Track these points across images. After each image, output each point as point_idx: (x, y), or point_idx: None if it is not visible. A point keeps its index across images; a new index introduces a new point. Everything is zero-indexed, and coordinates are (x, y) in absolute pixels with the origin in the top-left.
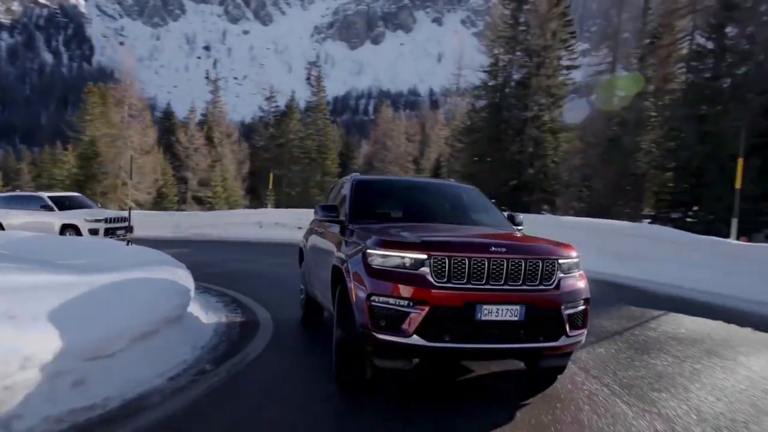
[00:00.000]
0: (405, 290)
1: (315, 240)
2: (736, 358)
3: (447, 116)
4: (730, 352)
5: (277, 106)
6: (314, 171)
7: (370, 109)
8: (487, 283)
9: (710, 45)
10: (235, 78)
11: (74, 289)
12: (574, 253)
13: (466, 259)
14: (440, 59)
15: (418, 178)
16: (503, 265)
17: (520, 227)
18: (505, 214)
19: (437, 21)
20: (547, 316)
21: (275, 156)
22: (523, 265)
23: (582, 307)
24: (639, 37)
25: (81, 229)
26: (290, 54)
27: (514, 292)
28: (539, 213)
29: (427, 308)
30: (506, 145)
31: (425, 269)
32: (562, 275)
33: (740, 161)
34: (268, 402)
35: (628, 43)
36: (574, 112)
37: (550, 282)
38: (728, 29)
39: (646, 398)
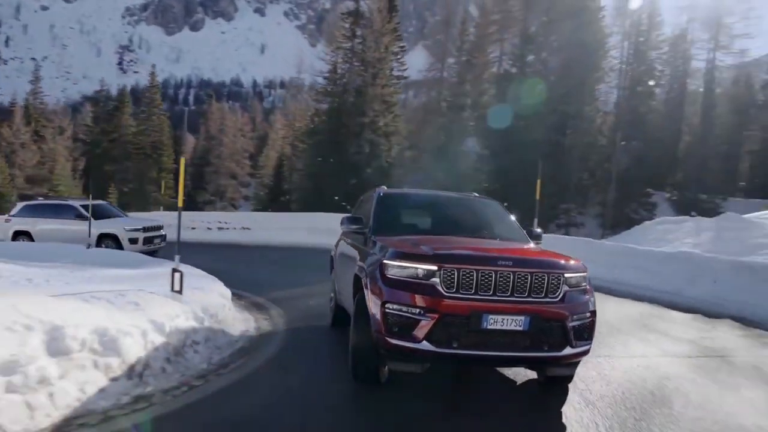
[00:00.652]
0: (417, 299)
1: (342, 249)
2: None
3: (288, 117)
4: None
5: (106, 98)
6: (149, 167)
7: (191, 99)
8: (494, 294)
9: (514, 69)
10: (33, 59)
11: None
12: (581, 268)
13: (474, 271)
14: (263, 50)
15: (441, 192)
16: (510, 277)
17: (538, 241)
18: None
19: (259, 11)
20: (552, 327)
21: (107, 151)
22: (529, 278)
23: (588, 320)
24: (458, 54)
25: (121, 240)
26: (98, 36)
27: (520, 304)
28: None
29: (436, 316)
30: (346, 147)
31: (436, 280)
32: (567, 289)
33: (539, 182)
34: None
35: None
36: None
37: (556, 295)
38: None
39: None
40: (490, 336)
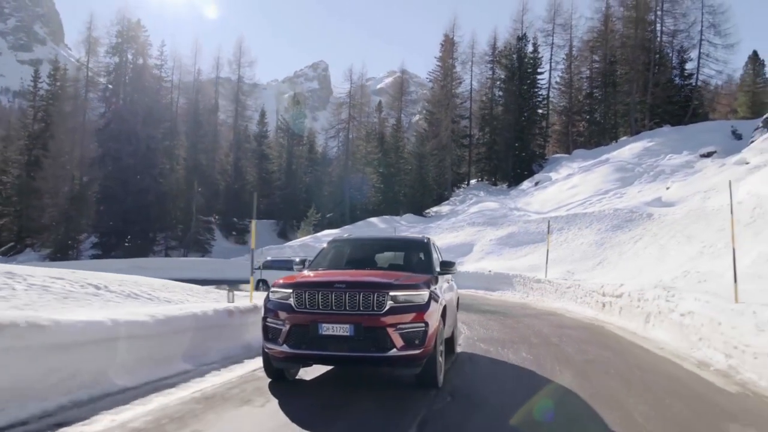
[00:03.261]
0: (279, 314)
1: None
2: None
3: None
4: None
5: None
6: None
7: None
8: (330, 309)
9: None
10: None
11: None
12: (412, 290)
13: (316, 293)
14: None
15: (379, 235)
16: (342, 296)
17: (446, 271)
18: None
19: None
20: (374, 333)
21: None
22: (359, 296)
23: (414, 329)
24: None
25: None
26: None
27: (347, 315)
28: None
29: (289, 325)
30: None
31: (291, 300)
32: (393, 303)
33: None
34: None
35: None
36: None
37: (381, 309)
38: None
39: None
40: (324, 340)
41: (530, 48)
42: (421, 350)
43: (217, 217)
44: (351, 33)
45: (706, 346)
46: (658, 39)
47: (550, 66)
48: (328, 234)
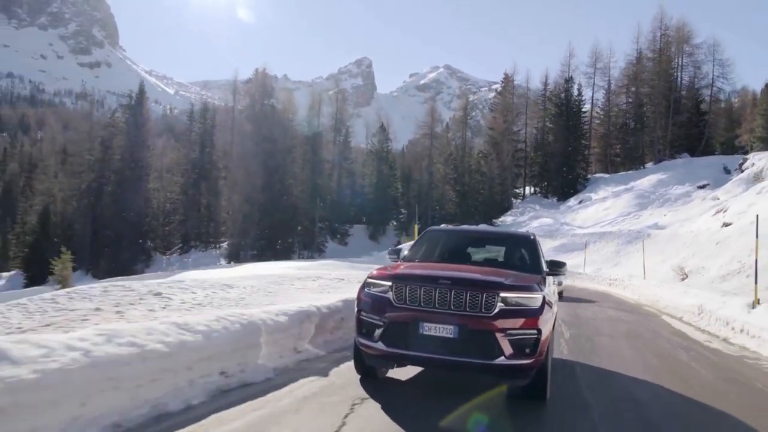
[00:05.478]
0: (377, 308)
1: None
2: None
3: None
4: None
5: None
6: None
7: None
8: (433, 306)
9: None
10: None
11: None
12: (525, 292)
13: (418, 288)
14: None
15: (482, 228)
16: (447, 294)
17: (555, 272)
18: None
19: None
20: (481, 337)
21: None
22: (465, 295)
23: (526, 336)
24: None
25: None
26: None
27: (451, 315)
28: None
29: (387, 322)
30: None
31: (390, 294)
32: (504, 306)
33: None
34: None
35: None
36: None
37: (490, 311)
38: None
39: None
40: (425, 340)
41: (575, 91)
42: (532, 360)
43: (326, 223)
44: (393, 29)
45: (633, 294)
46: (678, 86)
47: (592, 102)
48: None
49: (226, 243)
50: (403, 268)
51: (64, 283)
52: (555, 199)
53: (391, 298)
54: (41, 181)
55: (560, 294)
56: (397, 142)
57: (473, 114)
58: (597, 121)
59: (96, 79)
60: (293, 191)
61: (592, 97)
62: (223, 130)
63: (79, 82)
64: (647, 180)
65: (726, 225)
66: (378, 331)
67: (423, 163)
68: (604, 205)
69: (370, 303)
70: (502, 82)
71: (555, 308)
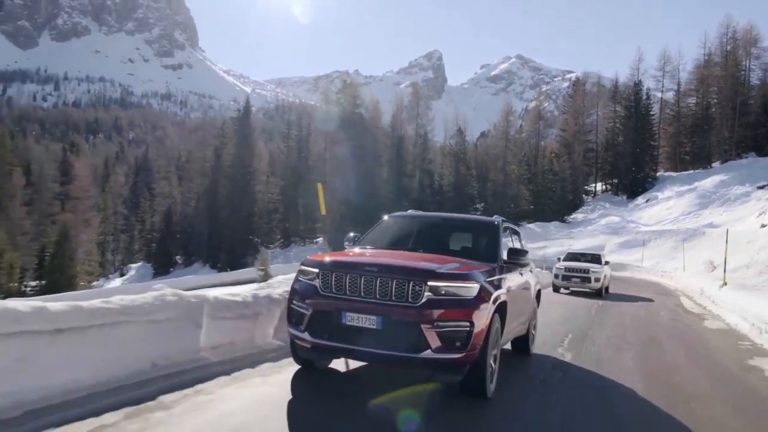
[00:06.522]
0: (304, 297)
1: None
2: None
3: None
4: None
5: None
6: None
7: None
8: (357, 295)
9: None
10: None
11: None
12: (457, 281)
13: (344, 275)
14: None
15: (445, 214)
16: (372, 282)
17: (513, 263)
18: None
19: None
20: (405, 329)
21: None
22: (391, 283)
23: (455, 328)
24: None
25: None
26: None
27: (375, 305)
28: None
29: (311, 311)
30: None
31: (317, 282)
32: (432, 296)
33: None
34: None
35: None
36: None
37: (417, 300)
38: None
39: None
40: (347, 331)
41: (644, 94)
42: (463, 354)
43: None
44: (463, 21)
45: (675, 282)
46: (746, 87)
47: (661, 103)
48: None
49: (320, 238)
50: (335, 255)
51: (265, 277)
52: (624, 197)
53: (317, 286)
54: (162, 186)
55: (606, 289)
56: (470, 136)
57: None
58: (667, 121)
59: (179, 80)
60: (381, 192)
61: (661, 99)
62: (316, 136)
63: (164, 84)
64: (710, 180)
65: (763, 226)
66: (305, 321)
67: (498, 164)
68: (667, 204)
69: (299, 291)
70: (573, 84)
71: (504, 298)
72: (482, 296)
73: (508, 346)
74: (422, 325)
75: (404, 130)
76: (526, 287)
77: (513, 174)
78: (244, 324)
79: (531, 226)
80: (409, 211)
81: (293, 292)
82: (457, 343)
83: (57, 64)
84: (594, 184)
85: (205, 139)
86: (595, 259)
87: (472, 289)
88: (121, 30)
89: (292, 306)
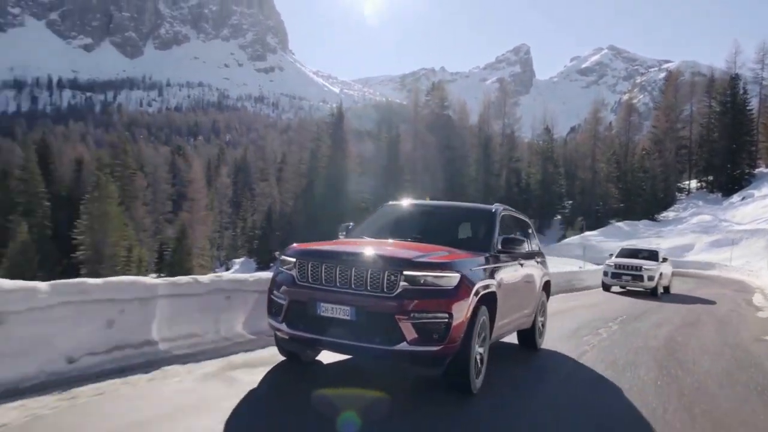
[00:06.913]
0: (282, 287)
1: None
2: None
3: None
4: None
5: None
6: None
7: None
8: (333, 285)
9: None
10: None
11: None
12: (435, 270)
13: (320, 264)
14: None
15: (443, 203)
16: (348, 271)
17: (507, 252)
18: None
19: None
20: (380, 320)
21: None
22: (366, 272)
23: (432, 320)
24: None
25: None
26: None
27: (349, 295)
28: None
29: (288, 300)
30: None
31: (294, 271)
32: (408, 285)
33: None
34: None
35: None
36: None
37: (392, 290)
38: None
39: None
40: (322, 322)
41: (741, 89)
42: (441, 347)
43: None
44: (551, 13)
45: (758, 280)
46: None
47: (760, 97)
48: (590, 235)
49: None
50: (314, 244)
51: None
52: (719, 195)
53: (294, 275)
54: (262, 186)
55: (666, 289)
56: (559, 130)
57: (640, 97)
58: (766, 116)
59: (271, 83)
60: (468, 191)
61: (760, 92)
62: (406, 137)
63: (257, 87)
64: None
65: None
66: (282, 311)
67: (586, 162)
68: (763, 203)
69: (277, 281)
70: (666, 79)
71: (492, 288)
72: (463, 286)
73: (514, 340)
74: (397, 316)
75: (491, 129)
76: (528, 279)
77: (602, 172)
78: (208, 313)
79: (619, 224)
80: (405, 200)
81: (272, 281)
82: (435, 336)
83: (160, 72)
84: (688, 182)
85: (300, 141)
86: (652, 255)
87: (451, 278)
88: (217, 37)
89: (271, 296)
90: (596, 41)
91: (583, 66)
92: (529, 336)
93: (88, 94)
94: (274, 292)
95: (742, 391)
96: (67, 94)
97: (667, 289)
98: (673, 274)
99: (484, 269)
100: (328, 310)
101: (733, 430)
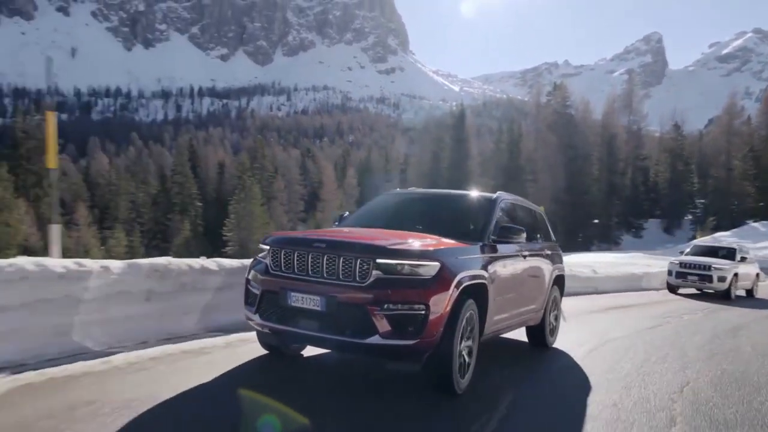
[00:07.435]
0: (257, 276)
1: None
2: None
3: None
4: None
5: None
6: None
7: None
8: (305, 274)
9: None
10: None
11: None
12: (411, 259)
13: (292, 253)
14: (74, 54)
15: (442, 192)
16: (320, 259)
17: (504, 242)
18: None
19: (63, 10)
20: (351, 311)
21: None
22: (338, 261)
23: (407, 312)
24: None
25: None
26: None
27: (319, 284)
28: None
29: (260, 290)
30: None
31: (268, 259)
32: (381, 275)
33: None
34: None
35: None
36: None
37: (364, 280)
38: None
39: None
40: (293, 312)
41: None
42: (416, 340)
43: (621, 217)
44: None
45: None
46: None
47: None
48: (723, 235)
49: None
50: (289, 233)
51: None
52: None
53: (268, 264)
54: (387, 188)
55: (749, 292)
56: (693, 124)
57: None
58: None
59: (392, 84)
60: (591, 190)
61: None
62: (527, 136)
63: (378, 89)
64: None
65: None
66: (256, 302)
67: (720, 158)
68: None
69: (254, 270)
70: None
71: (482, 280)
72: (444, 276)
73: (522, 336)
74: (369, 307)
75: (616, 125)
76: (533, 273)
77: (737, 170)
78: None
79: (755, 224)
80: (412, 189)
81: (249, 271)
82: (410, 328)
83: (288, 77)
84: None
85: (422, 141)
86: (730, 253)
87: (430, 267)
88: (341, 41)
89: (247, 286)
90: (739, 25)
91: (724, 52)
92: (538, 333)
93: (225, 101)
94: (250, 281)
95: None
96: (206, 101)
97: (750, 292)
98: (759, 276)
99: (474, 259)
100: (299, 300)
101: None
